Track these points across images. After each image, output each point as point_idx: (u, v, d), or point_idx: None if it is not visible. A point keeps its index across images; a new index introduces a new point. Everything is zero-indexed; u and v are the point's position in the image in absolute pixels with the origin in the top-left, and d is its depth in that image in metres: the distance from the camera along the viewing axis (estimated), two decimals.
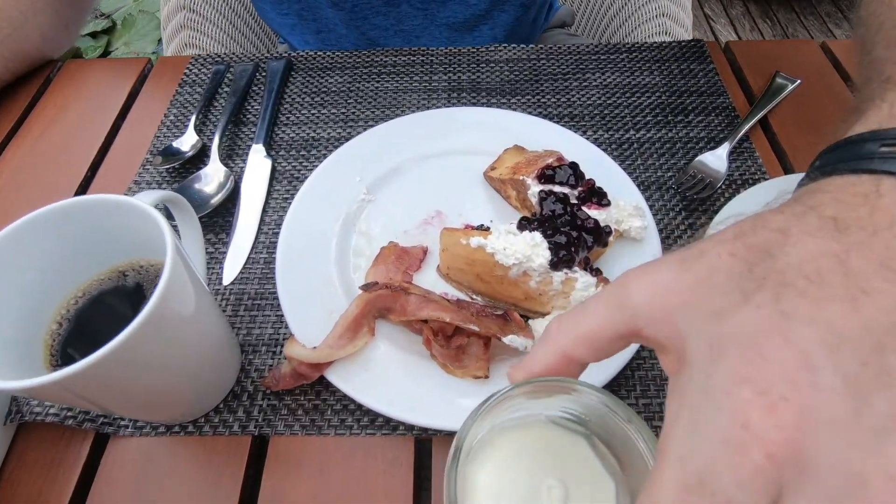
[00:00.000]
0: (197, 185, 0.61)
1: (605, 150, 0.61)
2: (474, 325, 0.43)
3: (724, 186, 0.61)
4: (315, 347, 0.44)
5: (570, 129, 0.62)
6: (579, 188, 0.50)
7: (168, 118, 0.70)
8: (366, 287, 0.47)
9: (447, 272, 0.51)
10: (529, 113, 0.65)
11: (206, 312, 0.42)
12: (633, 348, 0.45)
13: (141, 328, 0.32)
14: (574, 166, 0.50)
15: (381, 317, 0.48)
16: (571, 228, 0.46)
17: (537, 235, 0.44)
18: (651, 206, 0.59)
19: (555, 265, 0.43)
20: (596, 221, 0.47)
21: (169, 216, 0.51)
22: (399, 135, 0.62)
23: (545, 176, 0.50)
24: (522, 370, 0.30)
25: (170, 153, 0.64)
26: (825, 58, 0.75)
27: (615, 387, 0.47)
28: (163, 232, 0.36)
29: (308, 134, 0.68)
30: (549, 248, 0.44)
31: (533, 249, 0.43)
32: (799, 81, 0.70)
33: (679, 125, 0.67)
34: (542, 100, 0.71)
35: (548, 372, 0.29)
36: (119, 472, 0.44)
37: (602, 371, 0.44)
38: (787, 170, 0.63)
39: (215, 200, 0.59)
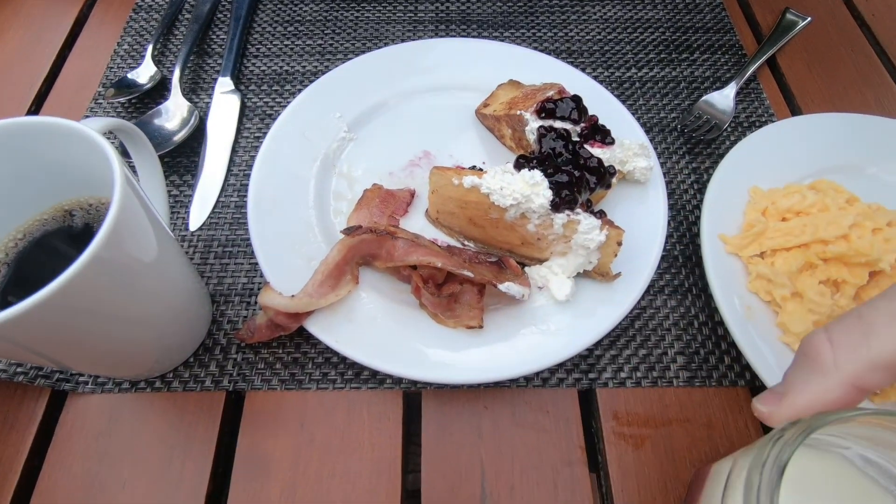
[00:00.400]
0: (157, 121, 0.55)
1: (609, 90, 0.56)
2: (468, 271, 0.39)
3: (730, 129, 0.57)
4: (293, 296, 0.40)
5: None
6: (582, 124, 0.45)
7: (122, 47, 0.62)
8: (348, 231, 0.43)
9: (437, 216, 0.47)
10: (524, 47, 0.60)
11: (169, 257, 0.38)
12: (633, 297, 0.43)
13: (85, 270, 0.28)
14: (577, 100, 0.46)
15: (366, 264, 0.44)
16: (573, 167, 0.42)
17: (537, 174, 0.40)
18: (654, 149, 0.55)
19: (556, 206, 0.40)
20: (599, 160, 0.43)
21: (125, 154, 0.45)
22: (383, 67, 0.56)
23: (545, 110, 0.45)
24: (788, 408, 0.25)
25: (125, 85, 0.57)
26: None
27: (613, 338, 0.45)
28: (110, 161, 0.31)
29: (281, 67, 0.61)
30: (551, 188, 0.40)
31: (532, 189, 0.40)
32: (809, 19, 0.66)
33: (683, 63, 0.63)
34: (538, 34, 0.65)
35: (830, 408, 0.24)
36: (79, 432, 0.40)
37: (602, 320, 0.42)
38: (795, 112, 0.59)
39: (178, 138, 0.53)
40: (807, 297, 0.41)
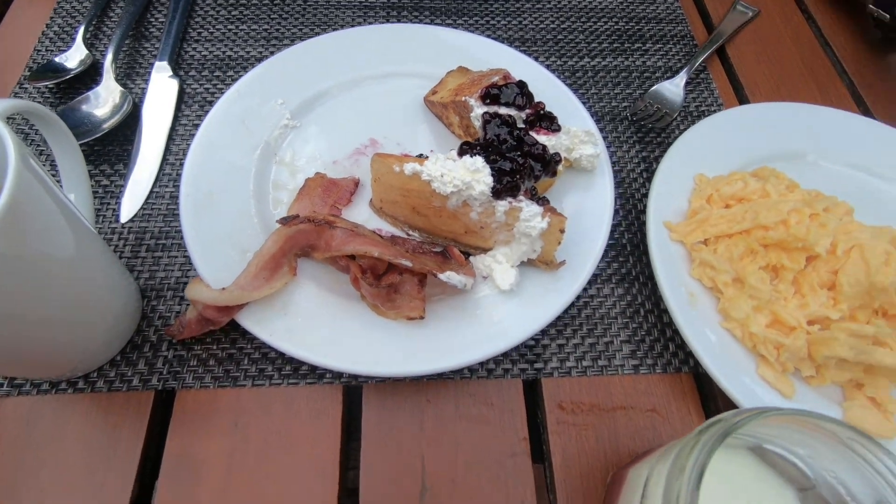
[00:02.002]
0: (85, 107, 0.51)
1: (560, 80, 0.55)
2: (407, 261, 0.38)
3: (680, 118, 0.57)
4: (224, 288, 0.39)
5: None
6: (527, 110, 0.44)
7: (51, 29, 0.59)
8: (285, 220, 0.41)
9: (380, 205, 0.46)
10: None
11: (88, 252, 0.35)
12: (577, 286, 0.42)
13: None
14: (522, 85, 0.45)
15: (305, 255, 0.43)
16: (518, 154, 0.41)
17: (479, 160, 0.39)
18: (604, 138, 0.55)
19: (497, 193, 0.39)
20: (544, 147, 0.42)
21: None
22: (330, 53, 0.54)
23: (490, 95, 0.44)
24: None
25: (51, 70, 0.54)
26: None
27: (559, 328, 0.44)
28: (4, 143, 0.29)
29: (223, 52, 0.59)
30: (492, 175, 0.39)
31: (473, 175, 0.39)
32: (758, 10, 0.67)
33: (636, 53, 0.63)
34: (492, 22, 0.64)
35: None
36: None
37: (546, 309, 0.41)
38: (743, 101, 0.60)
39: (109, 124, 0.50)
40: (747, 283, 0.41)
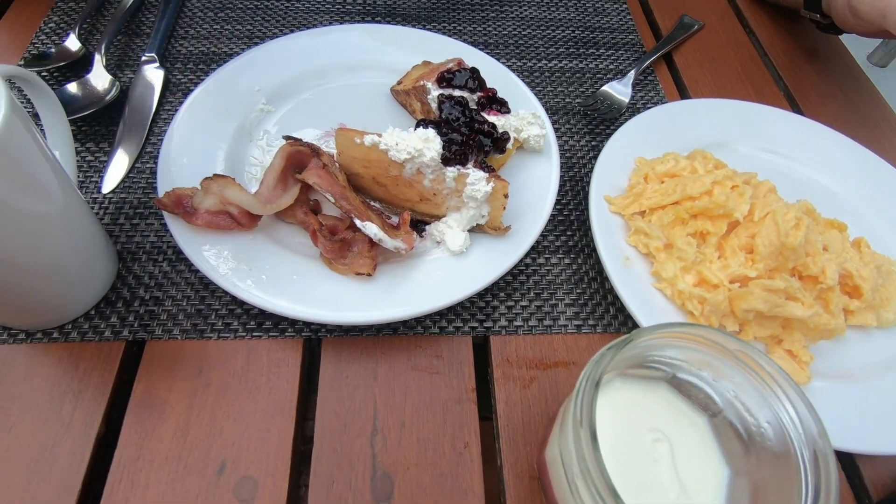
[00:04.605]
0: (75, 90, 0.56)
1: (517, 76, 0.60)
2: (336, 197, 0.43)
3: (628, 113, 0.62)
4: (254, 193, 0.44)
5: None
6: (479, 93, 0.49)
7: (48, 25, 0.63)
8: (288, 138, 0.46)
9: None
10: None
11: (69, 204, 0.38)
12: (523, 248, 0.46)
13: None
14: (474, 71, 0.50)
15: (299, 172, 0.46)
16: (468, 130, 0.45)
17: (431, 131, 0.43)
18: (557, 129, 0.60)
19: (447, 160, 0.43)
20: (493, 125, 0.47)
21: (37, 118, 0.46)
22: (306, 47, 0.59)
23: (444, 79, 0.49)
24: None
25: (45, 58, 0.58)
26: (728, 5, 0.78)
27: (509, 292, 0.48)
28: None
29: (208, 48, 0.63)
30: (443, 144, 0.43)
31: (425, 144, 0.43)
32: (703, 23, 0.73)
33: (590, 57, 0.68)
34: (458, 28, 0.70)
35: None
36: None
37: (493, 269, 0.44)
38: (685, 98, 0.66)
39: (95, 106, 0.54)
40: (676, 246, 0.45)
